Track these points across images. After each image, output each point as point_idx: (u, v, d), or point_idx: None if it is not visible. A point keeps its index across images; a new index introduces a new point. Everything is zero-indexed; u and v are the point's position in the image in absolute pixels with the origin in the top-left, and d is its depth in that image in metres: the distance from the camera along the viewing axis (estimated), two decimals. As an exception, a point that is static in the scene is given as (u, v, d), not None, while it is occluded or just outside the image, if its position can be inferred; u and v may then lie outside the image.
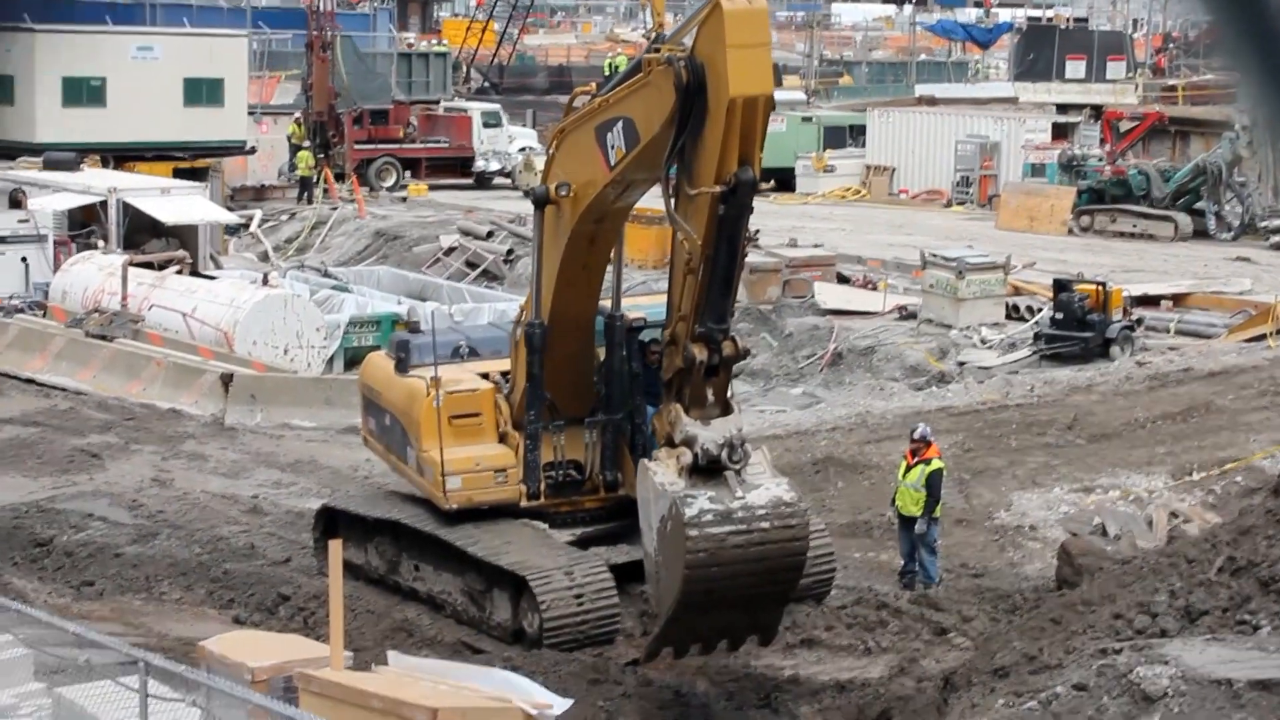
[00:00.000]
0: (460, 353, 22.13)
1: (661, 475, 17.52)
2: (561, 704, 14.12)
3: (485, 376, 21.50)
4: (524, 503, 20.91)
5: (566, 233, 19.49)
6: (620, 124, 18.14)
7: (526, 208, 24.34)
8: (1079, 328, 36.11)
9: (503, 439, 21.06)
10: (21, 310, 38.82)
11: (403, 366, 21.68)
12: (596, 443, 20.91)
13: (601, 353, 20.77)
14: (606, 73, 60.82)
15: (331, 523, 22.77)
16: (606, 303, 20.79)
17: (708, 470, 17.46)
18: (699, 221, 17.10)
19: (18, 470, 27.65)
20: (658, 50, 17.49)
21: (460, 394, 21.04)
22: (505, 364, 21.45)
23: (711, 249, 17.15)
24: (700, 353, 17.46)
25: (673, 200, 17.48)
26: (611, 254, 20.39)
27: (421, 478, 21.31)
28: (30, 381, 34.61)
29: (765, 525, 17.48)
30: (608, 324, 20.64)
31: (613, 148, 18.29)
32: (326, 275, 46.72)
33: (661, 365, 18.27)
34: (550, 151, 20.02)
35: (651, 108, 17.55)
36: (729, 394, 17.98)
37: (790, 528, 17.70)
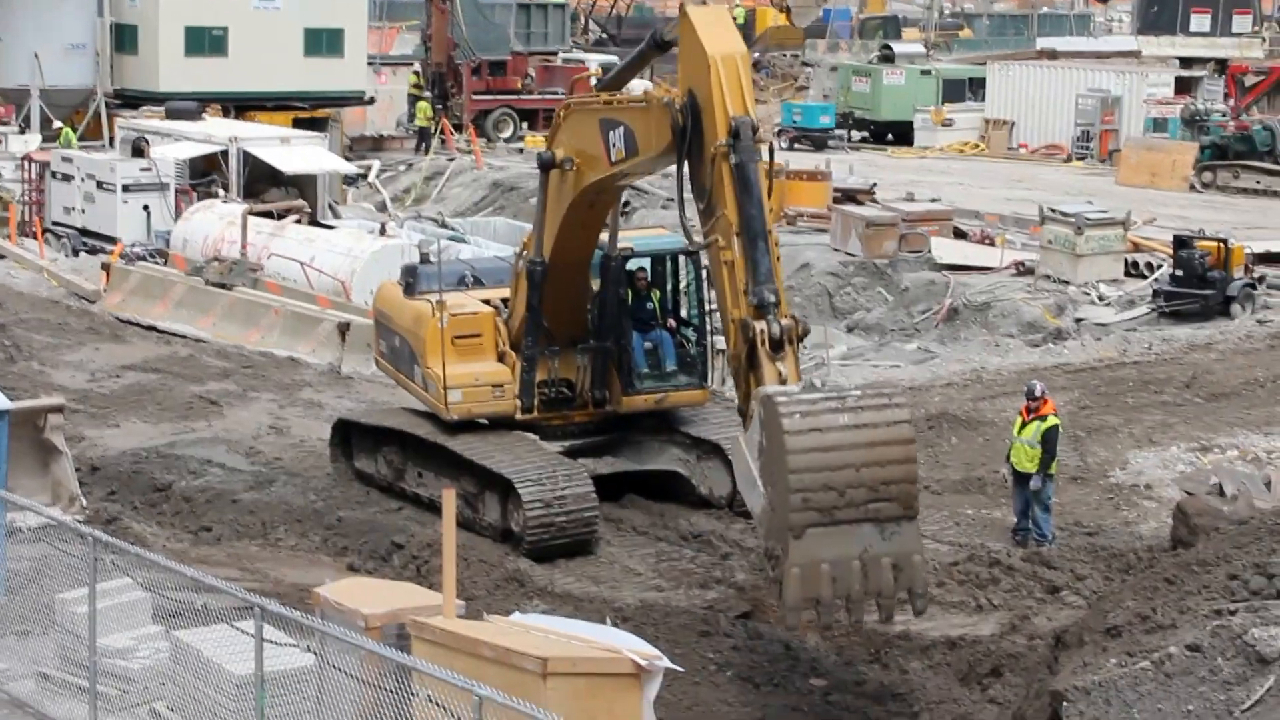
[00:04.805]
0: (465, 281, 24.23)
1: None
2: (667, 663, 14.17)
3: (487, 302, 23.41)
4: (519, 416, 22.82)
5: (569, 200, 21.53)
6: (622, 129, 20.02)
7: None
8: (1199, 285, 35.71)
9: (501, 358, 23.02)
10: (143, 258, 39.28)
11: (410, 290, 23.71)
12: (588, 365, 22.91)
13: (596, 284, 22.66)
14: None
15: (346, 433, 24.72)
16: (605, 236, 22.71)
17: None
18: (721, 192, 18.01)
19: (138, 416, 28.00)
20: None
21: (463, 316, 23.02)
22: (506, 292, 23.45)
23: (738, 213, 17.78)
24: (759, 322, 17.25)
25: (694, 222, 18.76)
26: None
27: (426, 392, 23.16)
28: (151, 328, 35.03)
29: (857, 393, 16.92)
30: (604, 261, 22.58)
31: (614, 146, 20.21)
32: (443, 226, 46.95)
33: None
34: (557, 119, 21.88)
35: (650, 133, 19.43)
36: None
37: (884, 396, 17.37)
